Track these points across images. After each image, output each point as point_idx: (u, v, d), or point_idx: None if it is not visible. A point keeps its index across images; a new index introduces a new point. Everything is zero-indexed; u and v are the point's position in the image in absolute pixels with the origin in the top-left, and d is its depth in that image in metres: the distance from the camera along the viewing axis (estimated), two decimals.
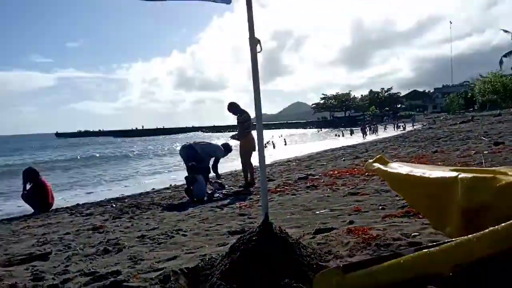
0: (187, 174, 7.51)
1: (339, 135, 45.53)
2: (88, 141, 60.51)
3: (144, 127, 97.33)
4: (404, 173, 2.52)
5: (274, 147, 27.08)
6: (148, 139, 63.53)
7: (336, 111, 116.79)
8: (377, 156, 3.04)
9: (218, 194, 7.28)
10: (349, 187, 6.15)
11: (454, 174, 2.10)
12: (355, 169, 8.39)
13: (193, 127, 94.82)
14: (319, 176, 8.22)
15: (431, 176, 2.26)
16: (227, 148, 8.72)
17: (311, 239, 3.18)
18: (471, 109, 66.32)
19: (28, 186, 8.44)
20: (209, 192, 7.43)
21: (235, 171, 12.36)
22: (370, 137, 35.55)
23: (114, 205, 7.51)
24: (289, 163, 13.13)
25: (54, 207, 8.48)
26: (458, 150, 10.39)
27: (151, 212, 6.33)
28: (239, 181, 9.37)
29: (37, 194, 8.33)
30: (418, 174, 2.37)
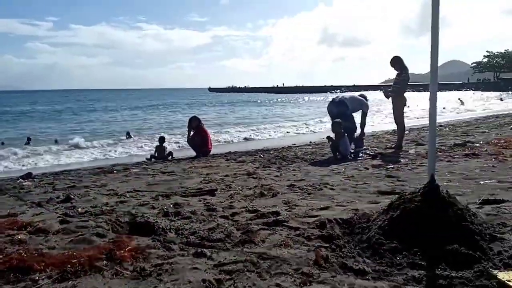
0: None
1: (502, 99, 38.58)
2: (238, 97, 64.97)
3: (285, 85, 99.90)
4: None
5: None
6: (287, 96, 65.02)
7: (503, 72, 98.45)
8: None
9: (362, 154, 7.16)
10: None
11: None
12: None
13: (331, 86, 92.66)
14: (479, 145, 7.29)
15: None
16: (366, 100, 8.20)
17: (477, 209, 2.92)
18: None
19: (191, 133, 9.72)
20: (352, 151, 7.36)
21: (376, 132, 11.89)
22: None
23: (262, 156, 8.12)
24: (441, 128, 11.89)
25: (211, 152, 9.60)
26: None
27: (296, 164, 6.65)
28: (382, 143, 9.00)
29: (199, 140, 9.52)
30: None
